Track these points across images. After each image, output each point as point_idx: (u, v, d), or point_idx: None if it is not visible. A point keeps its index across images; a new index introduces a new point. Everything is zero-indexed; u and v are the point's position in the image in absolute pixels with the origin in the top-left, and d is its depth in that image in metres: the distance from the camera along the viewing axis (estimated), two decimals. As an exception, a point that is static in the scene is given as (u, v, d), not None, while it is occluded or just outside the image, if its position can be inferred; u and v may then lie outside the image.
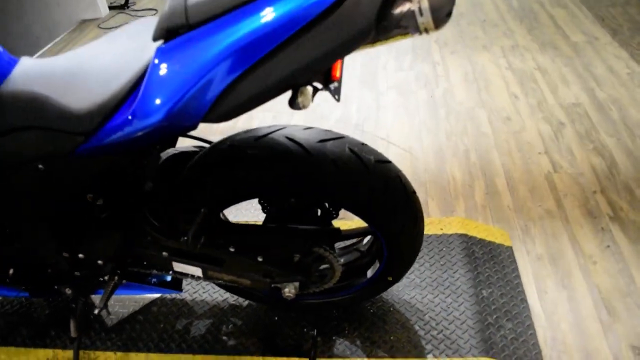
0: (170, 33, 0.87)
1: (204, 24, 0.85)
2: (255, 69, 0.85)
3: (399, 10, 0.84)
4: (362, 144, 1.23)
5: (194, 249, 1.19)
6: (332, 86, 0.95)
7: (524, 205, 2.02)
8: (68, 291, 1.48)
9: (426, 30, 0.86)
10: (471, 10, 3.84)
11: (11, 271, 1.43)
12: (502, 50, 3.24)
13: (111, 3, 4.76)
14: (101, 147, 1.02)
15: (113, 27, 4.32)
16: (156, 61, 0.88)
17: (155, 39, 0.88)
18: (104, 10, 4.59)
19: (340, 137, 1.20)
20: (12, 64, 1.12)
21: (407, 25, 0.85)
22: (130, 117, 0.94)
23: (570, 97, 2.69)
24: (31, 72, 1.08)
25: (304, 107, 0.93)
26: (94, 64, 1.06)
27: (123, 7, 4.67)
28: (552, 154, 2.28)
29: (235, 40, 0.83)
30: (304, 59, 0.84)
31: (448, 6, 0.83)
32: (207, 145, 1.32)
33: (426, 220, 1.92)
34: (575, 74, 2.91)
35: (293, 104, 0.92)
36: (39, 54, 4.08)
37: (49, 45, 4.21)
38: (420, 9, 0.83)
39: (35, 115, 1.03)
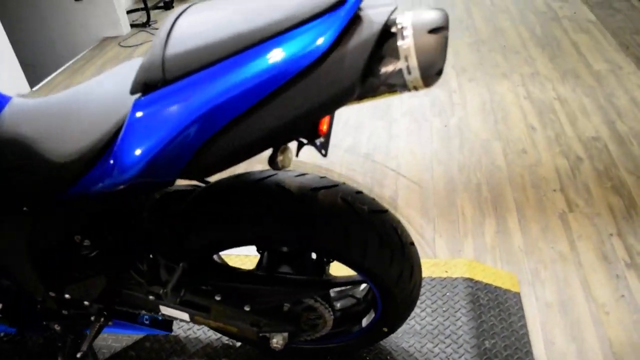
0: (148, 87, 0.84)
1: (181, 79, 0.82)
2: (233, 127, 0.81)
3: (386, 68, 0.79)
4: (357, 192, 1.18)
5: (173, 302, 1.15)
6: (318, 141, 0.90)
7: (535, 246, 1.94)
8: (57, 327, 1.45)
9: (415, 88, 0.81)
10: (492, 36, 3.77)
11: (0, 306, 1.41)
12: (522, 78, 3.16)
13: (133, 21, 4.82)
14: (83, 194, 1.00)
15: (134, 45, 4.36)
16: (132, 115, 0.85)
17: (132, 92, 0.85)
18: (125, 29, 4.64)
19: (334, 186, 1.15)
20: (2, 103, 1.10)
21: (394, 84, 0.80)
22: (107, 170, 0.91)
23: (589, 129, 2.60)
24: (20, 113, 1.07)
25: (284, 167, 0.88)
26: (80, 109, 1.03)
27: (144, 25, 4.72)
28: (567, 192, 2.20)
29: (211, 97, 0.79)
30: (284, 117, 0.80)
31: (438, 64, 0.78)
32: (202, 185, 1.28)
33: (431, 261, 1.85)
34: (596, 104, 2.82)
35: (272, 163, 0.88)
36: (60, 70, 4.13)
37: (70, 62, 4.26)
38: (408, 67, 0.78)
39: (19, 157, 1.01)
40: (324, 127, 0.89)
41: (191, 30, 0.85)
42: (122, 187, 0.89)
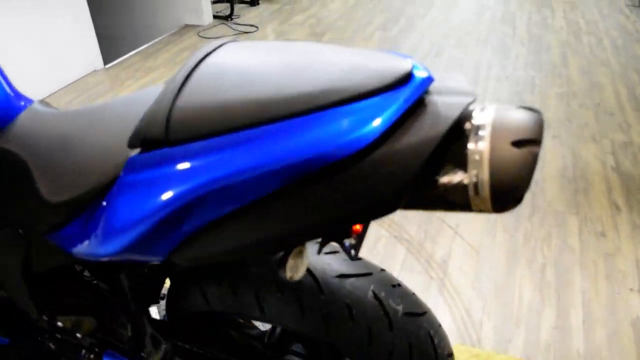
0: (147, 142, 0.67)
1: (187, 142, 0.64)
2: (239, 217, 0.63)
3: (447, 178, 0.59)
4: (395, 285, 0.97)
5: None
6: (347, 242, 0.71)
7: (597, 356, 1.67)
8: (51, 346, 1.35)
9: (481, 211, 0.60)
10: (586, 91, 3.44)
11: (-6, 314, 1.31)
12: (613, 145, 2.84)
13: (216, 12, 4.77)
14: (63, 249, 0.85)
15: (211, 38, 4.30)
16: (124, 174, 0.69)
17: (129, 145, 0.69)
18: (208, 19, 4.60)
19: (367, 275, 0.96)
20: (19, 108, 0.98)
21: (454, 201, 0.60)
22: (85, 233, 0.75)
23: (684, 222, 2.27)
24: (31, 126, 0.94)
25: (291, 278, 0.70)
26: (86, 138, 0.88)
27: (227, 18, 4.66)
28: (647, 294, 1.90)
29: (219, 176, 0.61)
30: (303, 217, 0.61)
31: (518, 190, 0.56)
32: None
33: (473, 350, 1.61)
34: (696, 193, 2.47)
35: (281, 269, 0.69)
36: (136, 51, 4.12)
37: (147, 44, 4.25)
38: (476, 185, 0.57)
39: (14, 179, 0.89)
40: (357, 226, 0.70)
41: (215, 79, 0.66)
42: (104, 259, 0.74)
